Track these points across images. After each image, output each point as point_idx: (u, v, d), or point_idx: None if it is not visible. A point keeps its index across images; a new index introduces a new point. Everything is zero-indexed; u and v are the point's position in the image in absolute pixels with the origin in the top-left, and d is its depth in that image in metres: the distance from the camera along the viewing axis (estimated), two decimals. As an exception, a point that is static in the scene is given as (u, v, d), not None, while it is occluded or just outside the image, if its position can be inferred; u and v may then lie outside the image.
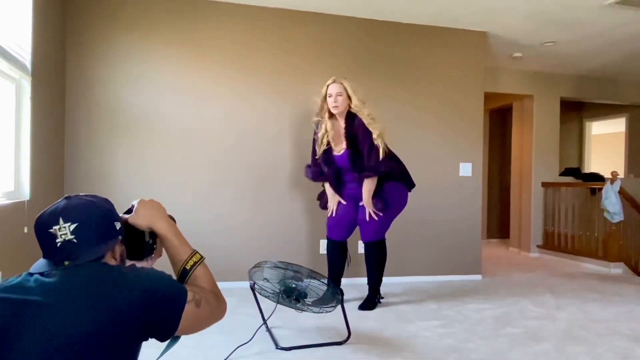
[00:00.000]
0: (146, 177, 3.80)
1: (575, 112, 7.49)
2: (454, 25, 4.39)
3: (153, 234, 1.25)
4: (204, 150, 3.91)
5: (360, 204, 3.31)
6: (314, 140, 3.41)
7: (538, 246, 5.99)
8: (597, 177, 6.10)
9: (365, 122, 3.19)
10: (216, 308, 1.19)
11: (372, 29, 4.26)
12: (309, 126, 3.59)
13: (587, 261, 5.33)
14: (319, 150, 3.35)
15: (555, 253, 5.76)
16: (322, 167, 3.36)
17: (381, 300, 3.49)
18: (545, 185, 5.97)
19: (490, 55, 5.12)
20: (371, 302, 3.35)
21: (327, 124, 3.29)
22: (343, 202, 3.39)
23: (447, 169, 4.44)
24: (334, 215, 3.40)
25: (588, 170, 7.27)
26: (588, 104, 7.27)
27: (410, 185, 3.40)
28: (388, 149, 3.24)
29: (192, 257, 1.23)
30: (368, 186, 3.23)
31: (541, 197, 5.99)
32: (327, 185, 3.43)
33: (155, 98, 3.82)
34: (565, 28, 4.40)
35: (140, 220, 1.22)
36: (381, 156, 3.17)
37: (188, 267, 1.21)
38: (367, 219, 3.26)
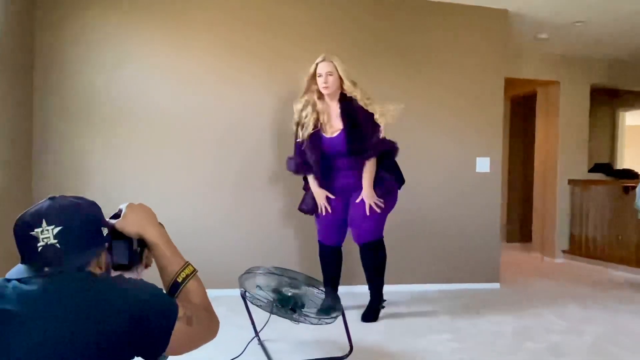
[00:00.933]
0: (124, 172, 3.82)
1: (608, 100, 7.49)
2: (470, 2, 4.40)
3: (142, 242, 1.27)
4: (189, 141, 3.93)
5: (358, 200, 3.27)
6: (297, 125, 3.38)
7: (564, 251, 6.02)
8: (631, 174, 6.12)
9: (362, 104, 3.22)
10: (208, 327, 1.22)
11: (375, 6, 4.27)
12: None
13: (619, 268, 5.37)
14: (304, 134, 3.31)
15: (583, 259, 5.79)
16: (307, 155, 3.32)
17: (384, 305, 3.49)
18: (572, 182, 5.99)
19: (511, 37, 5.12)
20: (375, 311, 3.37)
21: (318, 105, 3.30)
22: (331, 195, 3.37)
23: (461, 165, 4.45)
24: (330, 212, 3.37)
25: (621, 166, 7.29)
26: (622, 91, 7.27)
27: (401, 180, 3.40)
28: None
29: (184, 269, 1.25)
30: (370, 169, 3.23)
31: (568, 196, 6.02)
32: (310, 179, 3.39)
33: (136, 83, 3.83)
34: (597, 6, 4.40)
35: (129, 226, 1.24)
36: (382, 135, 3.22)
37: (180, 280, 1.23)
38: (368, 212, 3.23)
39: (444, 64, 4.40)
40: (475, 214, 4.48)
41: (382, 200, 3.27)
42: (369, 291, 3.42)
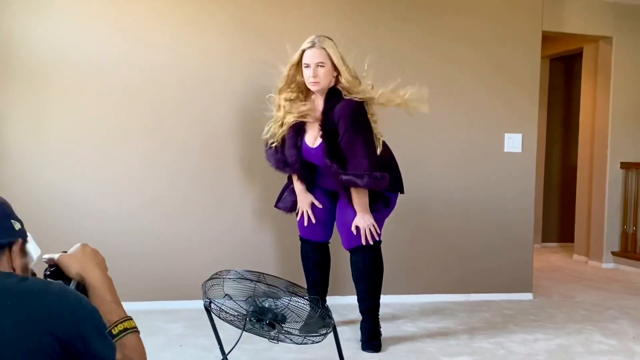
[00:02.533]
0: (52, 149, 3.81)
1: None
2: None
3: (81, 289, 1.36)
4: (136, 110, 3.92)
5: (353, 228, 3.26)
6: (275, 123, 3.38)
7: (614, 253, 6.09)
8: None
9: (364, 96, 3.14)
10: None
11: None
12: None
13: (681, 275, 5.45)
14: (277, 135, 3.32)
15: (638, 263, 5.87)
16: (288, 156, 3.35)
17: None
18: (626, 166, 6.04)
19: (551, -21, 5.14)
20: (377, 335, 3.32)
21: (301, 105, 3.25)
22: (318, 204, 3.42)
23: (486, 143, 4.48)
24: (313, 221, 3.43)
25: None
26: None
27: (401, 190, 3.43)
28: (387, 148, 3.26)
29: (123, 322, 1.34)
30: (360, 196, 3.18)
31: (620, 184, 6.06)
32: (294, 179, 3.45)
33: (69, 34, 3.81)
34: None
35: (73, 262, 1.35)
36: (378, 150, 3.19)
37: (115, 332, 1.31)
38: (364, 241, 3.23)
39: (462, 14, 4.40)
40: (502, 206, 4.51)
41: (376, 227, 3.26)
42: (360, 313, 3.37)
